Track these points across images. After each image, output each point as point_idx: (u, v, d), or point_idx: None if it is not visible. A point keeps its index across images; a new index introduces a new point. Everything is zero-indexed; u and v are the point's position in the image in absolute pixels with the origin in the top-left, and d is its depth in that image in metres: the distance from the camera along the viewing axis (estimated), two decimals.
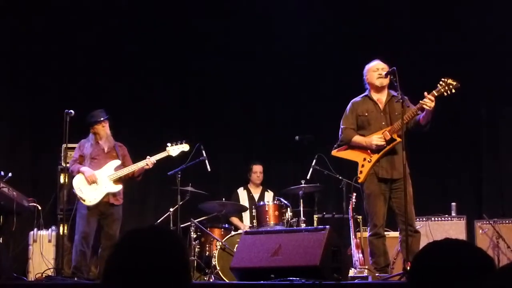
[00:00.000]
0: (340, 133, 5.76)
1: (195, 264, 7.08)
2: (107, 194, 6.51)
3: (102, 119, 6.69)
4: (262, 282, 4.82)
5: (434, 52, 8.41)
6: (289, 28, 8.69)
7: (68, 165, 6.91)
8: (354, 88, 5.95)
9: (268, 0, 8.86)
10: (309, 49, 8.82)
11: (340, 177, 7.29)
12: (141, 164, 6.63)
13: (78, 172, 6.54)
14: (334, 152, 5.85)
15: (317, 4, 8.82)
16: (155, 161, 6.66)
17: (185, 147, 6.85)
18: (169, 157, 6.79)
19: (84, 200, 6.45)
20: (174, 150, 6.78)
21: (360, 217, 7.15)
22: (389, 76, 5.50)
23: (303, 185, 7.39)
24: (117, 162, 6.67)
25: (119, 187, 6.58)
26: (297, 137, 7.68)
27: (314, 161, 7.37)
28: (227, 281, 6.52)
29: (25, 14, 8.26)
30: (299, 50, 8.81)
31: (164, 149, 6.77)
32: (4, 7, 8.10)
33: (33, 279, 6.69)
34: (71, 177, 6.75)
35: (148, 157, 6.66)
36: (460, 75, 5.34)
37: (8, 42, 8.21)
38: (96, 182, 6.48)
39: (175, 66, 8.86)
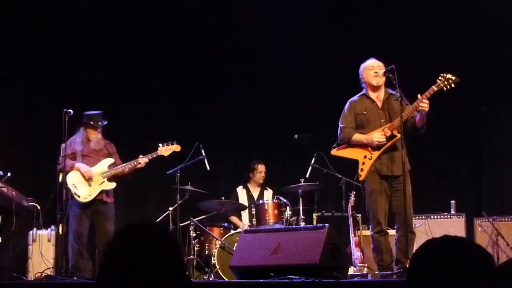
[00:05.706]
0: (339, 132, 5.72)
1: (195, 263, 7.07)
2: (101, 192, 6.54)
3: (103, 124, 6.71)
4: (261, 280, 4.82)
5: (433, 51, 8.41)
6: (289, 27, 8.69)
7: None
8: (353, 87, 5.94)
9: (268, 0, 8.86)
10: (309, 48, 8.81)
11: (339, 176, 7.29)
12: (133, 163, 6.68)
13: (72, 168, 6.50)
14: (334, 152, 5.80)
15: (317, 3, 8.81)
16: (147, 160, 6.73)
17: (177, 147, 6.92)
18: (161, 157, 6.86)
19: (79, 196, 6.44)
20: (166, 150, 6.85)
21: (360, 215, 7.15)
22: (386, 74, 5.49)
23: (302, 183, 7.38)
24: (111, 160, 6.73)
25: (113, 185, 6.62)
26: (296, 136, 7.68)
27: (313, 159, 7.37)
28: (226, 279, 6.51)
29: (25, 14, 8.25)
30: (298, 49, 8.81)
31: (156, 149, 6.84)
32: (3, 7, 8.09)
33: (32, 279, 6.67)
34: (65, 173, 6.65)
35: (140, 156, 6.72)
36: (459, 73, 5.34)
37: (7, 42, 8.20)
38: (92, 178, 6.51)
39: (174, 65, 8.86)
